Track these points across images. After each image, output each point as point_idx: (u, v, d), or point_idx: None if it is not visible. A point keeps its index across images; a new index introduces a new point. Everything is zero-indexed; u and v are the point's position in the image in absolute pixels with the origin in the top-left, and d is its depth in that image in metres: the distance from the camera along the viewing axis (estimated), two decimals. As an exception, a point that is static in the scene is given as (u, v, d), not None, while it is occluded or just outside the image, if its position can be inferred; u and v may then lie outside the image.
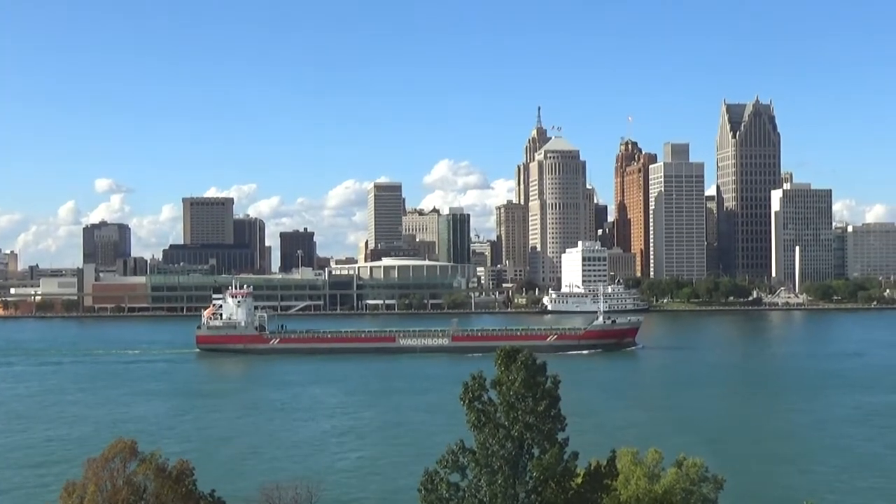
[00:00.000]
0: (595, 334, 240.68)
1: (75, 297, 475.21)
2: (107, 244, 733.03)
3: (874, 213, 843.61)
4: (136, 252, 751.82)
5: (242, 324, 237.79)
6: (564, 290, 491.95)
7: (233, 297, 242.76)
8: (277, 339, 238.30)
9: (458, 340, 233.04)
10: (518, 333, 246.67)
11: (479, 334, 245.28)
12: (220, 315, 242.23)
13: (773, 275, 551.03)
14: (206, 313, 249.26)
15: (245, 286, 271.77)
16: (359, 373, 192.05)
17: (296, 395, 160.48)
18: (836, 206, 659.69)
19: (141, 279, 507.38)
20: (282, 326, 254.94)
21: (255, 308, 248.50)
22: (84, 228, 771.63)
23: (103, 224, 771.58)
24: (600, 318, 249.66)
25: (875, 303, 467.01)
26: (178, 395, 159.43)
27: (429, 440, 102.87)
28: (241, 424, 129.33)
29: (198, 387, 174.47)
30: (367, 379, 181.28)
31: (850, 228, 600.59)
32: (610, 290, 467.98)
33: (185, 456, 47.93)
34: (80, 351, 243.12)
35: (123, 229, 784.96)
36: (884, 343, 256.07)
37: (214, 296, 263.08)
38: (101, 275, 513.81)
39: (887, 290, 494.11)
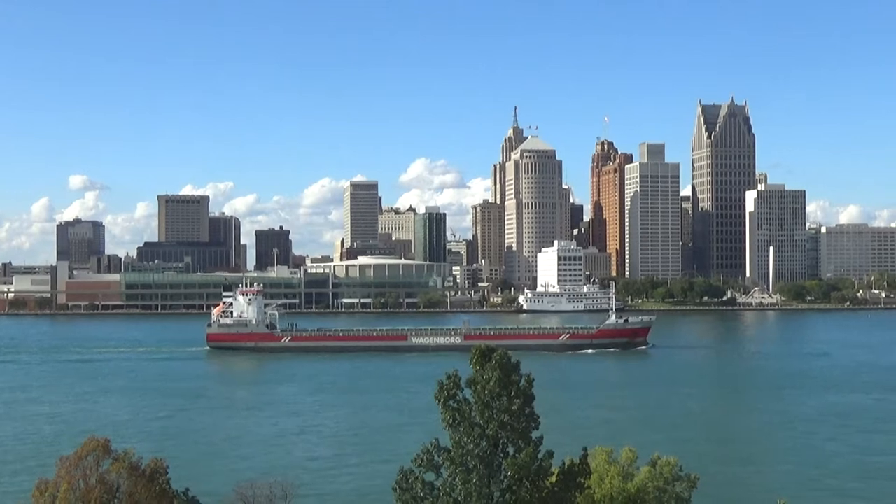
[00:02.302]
0: (608, 333, 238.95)
1: (48, 295, 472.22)
2: (81, 241, 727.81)
3: (847, 214, 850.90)
4: (110, 250, 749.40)
5: (253, 321, 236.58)
6: (540, 289, 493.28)
7: (244, 294, 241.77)
8: (289, 338, 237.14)
9: (471, 339, 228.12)
10: (530, 332, 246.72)
11: (492, 333, 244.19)
12: (231, 313, 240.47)
13: (748, 275, 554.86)
14: (215, 311, 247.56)
15: (255, 284, 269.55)
16: (367, 371, 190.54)
17: (293, 394, 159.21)
18: (810, 207, 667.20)
19: (115, 277, 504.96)
20: (292, 325, 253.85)
21: (266, 306, 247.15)
22: (58, 225, 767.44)
23: (77, 221, 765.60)
24: (612, 318, 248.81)
25: (848, 303, 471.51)
26: (181, 394, 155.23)
27: (419, 439, 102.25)
28: (225, 422, 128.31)
29: (202, 385, 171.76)
30: (375, 378, 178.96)
31: (823, 229, 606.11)
32: (585, 289, 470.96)
33: (160, 454, 47.61)
34: (81, 350, 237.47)
35: (97, 226, 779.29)
36: (852, 343, 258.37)
37: (225, 293, 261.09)
38: (74, 272, 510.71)
39: (860, 291, 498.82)
